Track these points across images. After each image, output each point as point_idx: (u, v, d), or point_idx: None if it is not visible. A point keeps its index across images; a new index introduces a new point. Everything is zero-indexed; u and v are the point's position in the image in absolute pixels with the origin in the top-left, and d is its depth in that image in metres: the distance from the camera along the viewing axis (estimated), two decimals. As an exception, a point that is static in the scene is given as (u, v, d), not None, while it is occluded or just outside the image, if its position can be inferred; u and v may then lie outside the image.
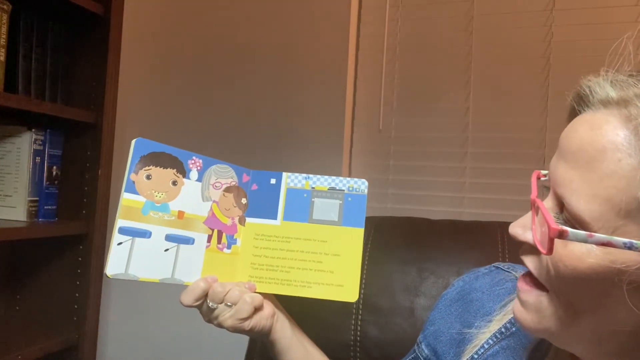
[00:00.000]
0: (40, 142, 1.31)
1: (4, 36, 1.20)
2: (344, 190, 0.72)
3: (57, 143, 1.36)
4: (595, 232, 0.39)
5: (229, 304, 0.66)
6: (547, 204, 0.44)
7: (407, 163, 1.43)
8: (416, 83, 1.43)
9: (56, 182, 1.36)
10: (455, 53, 1.39)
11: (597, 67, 0.45)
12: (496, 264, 0.69)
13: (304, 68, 1.46)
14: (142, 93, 1.60)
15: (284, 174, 0.73)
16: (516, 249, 0.49)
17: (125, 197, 0.64)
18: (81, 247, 1.37)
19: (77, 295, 1.36)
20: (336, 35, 1.44)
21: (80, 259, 1.37)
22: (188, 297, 0.66)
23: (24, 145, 1.29)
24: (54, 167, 1.35)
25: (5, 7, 1.20)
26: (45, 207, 1.33)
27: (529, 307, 0.46)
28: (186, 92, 1.56)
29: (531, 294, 0.46)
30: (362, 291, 0.96)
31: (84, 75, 1.39)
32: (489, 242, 0.95)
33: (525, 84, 1.32)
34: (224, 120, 1.52)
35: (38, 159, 1.31)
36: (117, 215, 0.63)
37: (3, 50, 1.20)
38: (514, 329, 0.58)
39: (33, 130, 1.30)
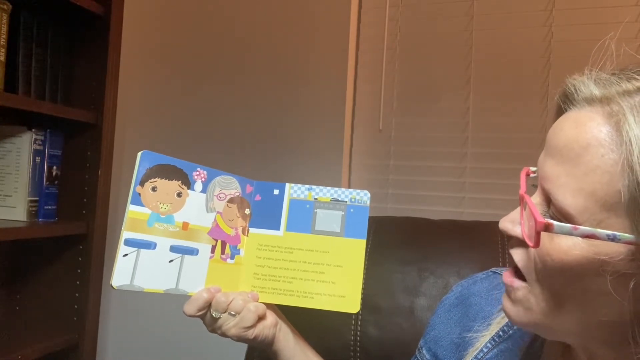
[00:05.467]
0: (40, 142, 1.32)
1: (4, 36, 1.20)
2: (346, 201, 0.72)
3: (57, 143, 1.36)
4: (580, 225, 0.41)
5: (232, 313, 0.66)
6: (535, 200, 0.46)
7: (407, 163, 1.43)
8: (416, 83, 1.43)
9: (56, 182, 1.36)
10: (455, 53, 1.39)
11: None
12: (493, 269, 0.69)
13: (304, 68, 1.46)
14: (142, 93, 1.60)
15: (287, 185, 0.74)
16: (516, 250, 0.49)
17: (131, 209, 0.65)
18: (81, 247, 1.37)
19: (77, 295, 1.37)
20: (336, 35, 1.44)
21: (80, 259, 1.37)
22: (191, 308, 0.66)
23: (24, 145, 1.29)
24: (54, 167, 1.35)
25: (5, 7, 1.20)
26: (45, 207, 1.33)
27: (516, 300, 0.48)
28: (186, 92, 1.56)
29: (518, 287, 0.47)
30: (362, 291, 0.96)
31: (84, 75, 1.39)
32: (489, 242, 0.95)
33: (525, 84, 1.32)
34: (224, 120, 1.52)
35: (38, 159, 1.31)
36: (123, 227, 0.64)
37: (3, 50, 1.20)
38: (511, 331, 0.59)
39: (33, 130, 1.30)
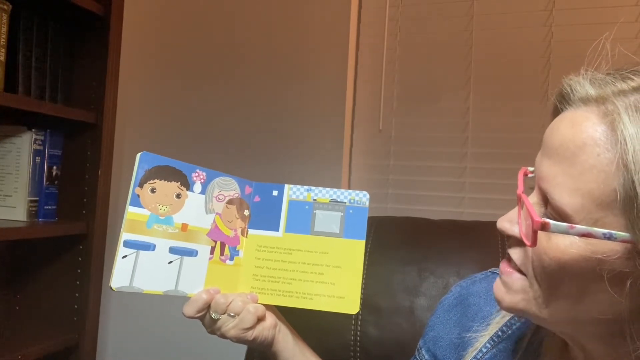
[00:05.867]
0: (40, 142, 1.32)
1: (4, 36, 1.20)
2: (345, 202, 0.72)
3: (57, 143, 1.36)
4: (576, 224, 0.41)
5: (232, 314, 0.66)
6: (533, 199, 0.46)
7: (407, 163, 1.43)
8: (416, 83, 1.43)
9: (56, 182, 1.36)
10: (455, 53, 1.39)
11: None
12: (492, 269, 0.69)
13: (304, 68, 1.46)
14: (142, 93, 1.60)
15: (286, 186, 0.74)
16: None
17: (130, 211, 0.65)
18: (81, 247, 1.37)
19: (77, 295, 1.37)
20: (336, 36, 1.44)
21: (80, 259, 1.37)
22: (190, 309, 0.66)
23: (24, 145, 1.29)
24: (54, 167, 1.35)
25: (5, 7, 1.20)
26: (45, 207, 1.33)
27: (510, 289, 0.48)
28: (186, 92, 1.56)
29: (514, 277, 0.48)
30: (362, 291, 0.96)
31: (84, 75, 1.39)
32: (489, 242, 0.95)
33: (525, 84, 1.32)
34: (224, 121, 1.52)
35: (38, 159, 1.31)
36: (122, 229, 0.64)
37: (3, 50, 1.20)
38: (510, 331, 0.59)
39: (33, 130, 1.30)
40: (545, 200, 0.45)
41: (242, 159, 1.49)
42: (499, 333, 0.60)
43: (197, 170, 0.70)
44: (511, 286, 0.48)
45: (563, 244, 0.42)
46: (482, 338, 0.61)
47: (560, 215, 0.43)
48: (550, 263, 0.43)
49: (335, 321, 0.96)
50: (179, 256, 0.67)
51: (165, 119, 1.57)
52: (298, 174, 1.44)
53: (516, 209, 0.48)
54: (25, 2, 1.26)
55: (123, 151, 1.55)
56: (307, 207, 0.72)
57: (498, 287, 0.50)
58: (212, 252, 0.70)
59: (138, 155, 0.66)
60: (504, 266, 0.49)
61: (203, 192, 0.70)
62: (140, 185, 0.66)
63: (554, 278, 0.44)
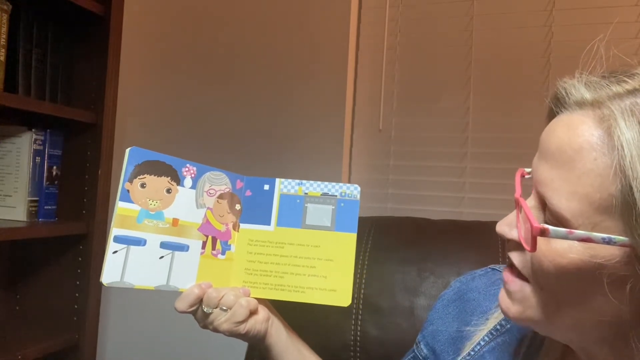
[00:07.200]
0: (40, 142, 1.32)
1: (4, 36, 1.20)
2: (336, 195, 0.72)
3: (57, 143, 1.36)
4: (575, 228, 0.41)
5: (224, 308, 0.67)
6: (530, 203, 0.46)
7: (407, 163, 1.43)
8: (416, 83, 1.43)
9: (56, 182, 1.36)
10: (455, 53, 1.39)
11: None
12: (492, 265, 0.69)
13: (304, 68, 1.46)
14: (142, 93, 1.60)
15: (277, 180, 0.74)
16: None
17: (120, 206, 0.65)
18: (81, 247, 1.37)
19: (77, 295, 1.36)
20: (336, 36, 1.44)
21: (80, 259, 1.37)
22: (182, 304, 0.67)
23: (24, 145, 1.29)
24: (54, 167, 1.35)
25: (5, 7, 1.20)
26: (45, 207, 1.33)
27: (514, 298, 0.48)
28: (186, 92, 1.56)
29: (517, 285, 0.48)
30: (362, 291, 0.96)
31: (84, 75, 1.39)
32: (489, 242, 0.95)
33: (525, 84, 1.32)
34: (224, 120, 1.52)
35: (38, 159, 1.31)
36: (112, 224, 0.65)
37: (3, 50, 1.20)
38: (508, 325, 0.59)
39: (33, 130, 1.30)
40: (543, 203, 0.45)
41: (242, 158, 1.49)
42: (498, 327, 0.60)
43: (188, 165, 0.70)
44: (516, 295, 0.48)
45: (562, 248, 0.42)
46: (481, 332, 0.61)
47: (558, 219, 0.43)
48: (549, 267, 0.43)
49: (335, 321, 0.96)
50: (170, 251, 0.67)
51: (165, 118, 1.57)
52: (298, 174, 1.44)
53: (514, 212, 0.48)
54: (25, 2, 1.26)
55: (123, 151, 1.54)
56: (298, 200, 0.73)
57: (503, 298, 0.50)
58: (203, 246, 0.70)
59: (127, 151, 0.67)
60: (507, 275, 0.49)
61: (194, 186, 0.70)
62: (130, 180, 0.66)
63: (555, 282, 0.44)
